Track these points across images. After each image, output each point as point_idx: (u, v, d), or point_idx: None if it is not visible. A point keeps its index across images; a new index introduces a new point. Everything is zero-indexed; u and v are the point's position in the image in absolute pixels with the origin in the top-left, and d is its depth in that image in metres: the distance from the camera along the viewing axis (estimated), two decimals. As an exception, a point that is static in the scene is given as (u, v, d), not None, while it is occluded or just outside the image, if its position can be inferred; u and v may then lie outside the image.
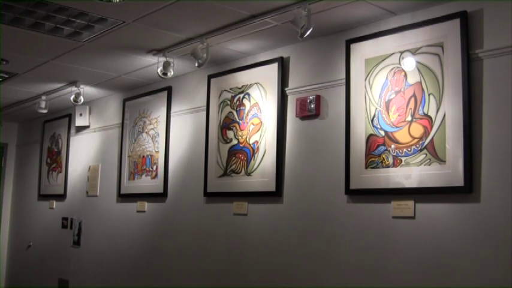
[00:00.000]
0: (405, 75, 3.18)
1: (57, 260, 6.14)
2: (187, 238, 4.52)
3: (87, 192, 5.84)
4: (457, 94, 2.93)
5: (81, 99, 5.15)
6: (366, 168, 3.30)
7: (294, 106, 3.80)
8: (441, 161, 2.97)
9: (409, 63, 3.16)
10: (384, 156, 3.23)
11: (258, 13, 3.37)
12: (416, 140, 3.09)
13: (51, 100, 5.65)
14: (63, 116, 6.38)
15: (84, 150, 6.00)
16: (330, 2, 3.15)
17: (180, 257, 4.56)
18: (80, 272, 5.75)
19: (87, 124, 5.95)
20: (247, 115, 4.09)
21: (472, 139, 2.87)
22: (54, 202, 6.38)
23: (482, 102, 2.87)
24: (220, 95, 4.34)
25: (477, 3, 2.93)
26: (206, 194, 4.35)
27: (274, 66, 3.92)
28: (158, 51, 4.15)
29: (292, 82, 3.85)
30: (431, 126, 3.02)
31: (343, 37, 3.54)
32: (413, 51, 3.15)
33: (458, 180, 2.88)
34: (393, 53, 3.24)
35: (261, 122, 3.98)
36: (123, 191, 5.28)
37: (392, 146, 3.19)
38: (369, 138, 3.31)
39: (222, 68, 4.38)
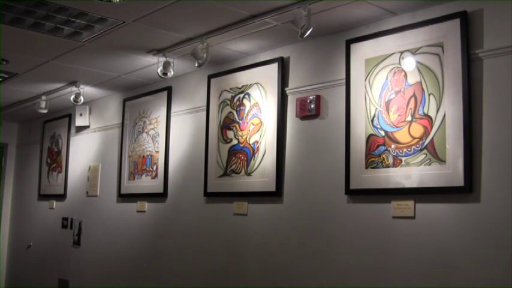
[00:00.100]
0: (405, 75, 3.18)
1: (57, 260, 6.14)
2: (187, 238, 4.52)
3: (87, 192, 5.84)
4: (457, 94, 2.93)
5: (81, 99, 5.15)
6: (366, 168, 3.30)
7: (294, 106, 3.80)
8: (441, 161, 2.97)
9: (409, 63, 3.16)
10: (384, 156, 3.23)
11: (258, 13, 3.37)
12: (416, 140, 3.09)
13: (51, 100, 5.65)
14: (63, 116, 6.38)
15: (84, 150, 6.00)
16: (330, 2, 3.15)
17: (180, 257, 4.56)
18: (80, 272, 5.75)
19: (87, 124, 5.95)
20: (247, 115, 4.09)
21: (472, 139, 2.87)
22: (54, 202, 6.38)
23: (482, 102, 2.87)
24: (220, 95, 4.34)
25: (477, 3, 2.93)
26: (206, 194, 4.35)
27: (274, 66, 3.92)
28: (158, 51, 4.15)
29: (292, 82, 3.85)
30: (432, 126, 3.02)
31: (343, 37, 3.54)
32: (414, 51, 3.15)
33: (458, 180, 2.88)
34: (393, 53, 3.24)
35: (261, 122, 3.98)
36: (123, 191, 5.28)
37: (393, 146, 3.19)
38: (369, 138, 3.31)
39: (222, 68, 4.38)
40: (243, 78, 4.17)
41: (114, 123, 5.58)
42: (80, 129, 6.08)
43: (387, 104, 3.24)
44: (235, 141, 4.16)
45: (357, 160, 3.34)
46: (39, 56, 4.40)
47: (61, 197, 6.26)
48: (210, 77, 4.45)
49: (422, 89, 3.09)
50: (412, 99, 3.13)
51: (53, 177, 6.46)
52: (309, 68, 3.76)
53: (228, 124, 4.24)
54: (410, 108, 3.13)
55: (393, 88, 3.23)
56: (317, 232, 3.55)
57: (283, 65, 3.90)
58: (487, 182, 2.81)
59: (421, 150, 3.06)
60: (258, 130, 4.00)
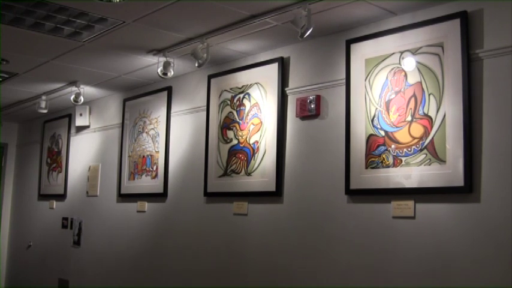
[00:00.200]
0: (405, 75, 3.18)
1: (57, 260, 6.14)
2: (187, 238, 4.52)
3: (87, 192, 5.84)
4: (457, 94, 2.93)
5: (81, 99, 5.15)
6: (366, 168, 3.30)
7: (294, 106, 3.80)
8: (441, 161, 2.97)
9: (409, 63, 3.16)
10: (384, 156, 3.22)
11: (258, 13, 3.37)
12: (416, 140, 3.09)
13: (51, 100, 5.65)
14: (63, 116, 6.38)
15: (84, 150, 6.00)
16: (330, 2, 3.15)
17: (180, 257, 4.56)
18: (80, 272, 5.75)
19: (87, 124, 5.95)
20: (248, 115, 4.09)
21: (472, 139, 2.87)
22: (54, 202, 6.38)
23: (482, 102, 2.87)
24: (220, 95, 4.34)
25: (477, 3, 2.93)
26: (206, 194, 4.35)
27: (274, 66, 3.92)
28: (158, 51, 4.15)
29: (292, 82, 3.85)
30: (432, 126, 3.02)
31: (343, 37, 3.54)
32: (414, 51, 3.15)
33: (458, 180, 2.88)
34: (393, 53, 3.24)
35: (261, 122, 3.98)
36: (123, 191, 5.28)
37: (393, 146, 3.19)
38: (369, 138, 3.31)
39: (222, 68, 4.38)
40: (243, 78, 4.17)
41: (114, 123, 5.58)
42: (80, 129, 6.08)
43: (387, 104, 3.24)
44: (235, 141, 4.16)
45: (357, 160, 3.34)
46: (39, 56, 4.40)
47: (61, 197, 6.26)
48: (210, 77, 4.45)
49: (423, 89, 3.09)
50: (412, 99, 3.13)
51: (53, 177, 6.46)
52: (309, 68, 3.76)
53: (228, 124, 4.24)
54: (411, 108, 3.13)
55: (393, 88, 3.23)
56: (317, 232, 3.55)
57: (283, 65, 3.90)
58: (487, 182, 2.81)
59: (421, 150, 3.06)
60: (258, 130, 4.00)
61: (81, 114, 5.92)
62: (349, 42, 3.49)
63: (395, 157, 3.17)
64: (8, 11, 3.46)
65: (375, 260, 3.22)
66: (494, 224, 2.76)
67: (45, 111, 5.61)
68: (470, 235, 2.83)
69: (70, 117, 6.26)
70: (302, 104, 3.72)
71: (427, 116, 3.05)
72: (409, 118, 3.13)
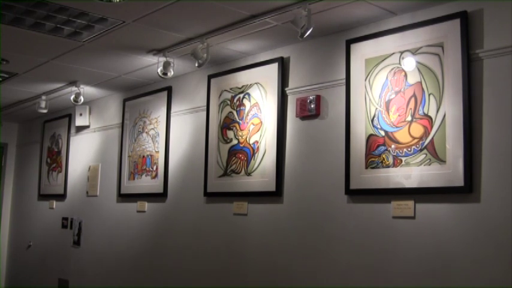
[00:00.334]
0: (405, 75, 3.18)
1: (57, 260, 6.14)
2: (187, 238, 4.52)
3: (87, 192, 5.84)
4: (457, 94, 2.93)
5: (81, 99, 5.15)
6: (366, 168, 3.30)
7: (294, 106, 3.80)
8: (441, 161, 2.97)
9: (409, 63, 3.16)
10: (384, 156, 3.23)
11: (258, 13, 3.37)
12: (416, 140, 3.09)
13: (51, 100, 5.65)
14: (63, 116, 6.38)
15: (84, 150, 6.00)
16: (330, 2, 3.15)
17: (180, 257, 4.56)
18: (80, 272, 5.75)
19: (87, 124, 5.95)
20: (247, 115, 4.09)
21: (472, 139, 2.87)
22: (54, 202, 6.38)
23: (482, 102, 2.87)
24: (220, 95, 4.34)
25: (477, 3, 2.93)
26: (206, 194, 4.35)
27: (274, 66, 3.92)
28: (158, 51, 4.16)
29: (292, 82, 3.85)
30: (432, 126, 3.02)
31: (343, 37, 3.54)
32: (414, 51, 3.15)
33: (458, 180, 2.88)
34: (393, 53, 3.24)
35: (261, 122, 3.98)
36: (123, 191, 5.28)
37: (393, 146, 3.19)
38: (369, 138, 3.31)
39: (222, 68, 4.38)
40: (243, 78, 4.17)
41: (114, 123, 5.58)
42: (80, 129, 6.08)
43: (387, 104, 3.24)
44: (235, 141, 4.16)
45: (357, 160, 3.34)
46: (39, 56, 4.40)
47: (61, 197, 6.26)
48: (210, 77, 4.45)
49: (422, 89, 3.09)
50: (412, 99, 3.13)
51: (53, 177, 6.46)
52: (309, 68, 3.76)
53: (228, 124, 4.24)
54: (410, 108, 3.13)
55: (393, 88, 3.23)
56: (317, 232, 3.55)
57: (283, 65, 3.90)
58: (487, 182, 2.81)
59: (421, 150, 3.06)
60: (258, 130, 4.00)
61: (81, 114, 5.92)
62: (349, 42, 3.49)
63: (395, 157, 3.17)
64: (8, 11, 3.46)
65: (375, 260, 3.22)
66: (494, 224, 2.76)
67: (45, 111, 5.61)
68: (470, 235, 2.83)
69: (70, 117, 6.26)
70: (302, 104, 3.72)
71: (427, 116, 3.05)
72: (409, 118, 3.13)
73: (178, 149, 4.73)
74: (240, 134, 4.13)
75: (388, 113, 3.23)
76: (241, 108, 4.15)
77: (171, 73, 4.16)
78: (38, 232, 6.63)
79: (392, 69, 3.24)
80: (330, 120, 3.59)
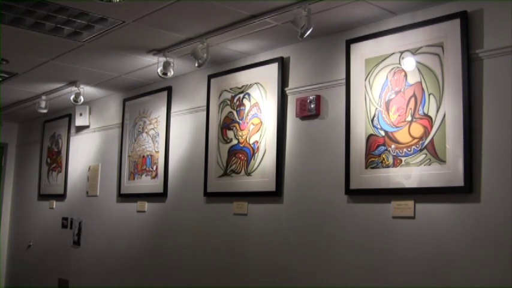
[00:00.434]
0: (405, 75, 3.18)
1: (57, 260, 6.14)
2: (187, 238, 4.52)
3: (87, 192, 5.84)
4: (457, 94, 2.93)
5: (81, 99, 5.15)
6: (366, 168, 3.30)
7: (294, 106, 3.80)
8: (441, 161, 2.97)
9: (409, 63, 3.16)
10: (384, 156, 3.23)
11: (258, 13, 3.37)
12: (416, 140, 3.09)
13: (51, 100, 5.65)
14: (63, 116, 6.38)
15: (84, 150, 6.00)
16: (330, 2, 3.15)
17: (180, 257, 4.56)
18: (80, 272, 5.75)
19: (87, 124, 5.95)
20: (247, 115, 4.09)
21: (472, 139, 2.87)
22: (54, 202, 6.38)
23: (482, 102, 2.87)
24: (220, 95, 4.34)
25: (477, 3, 2.93)
26: (206, 194, 4.35)
27: (274, 66, 3.92)
28: (158, 51, 4.16)
29: (292, 82, 3.85)
30: (431, 126, 3.02)
31: (343, 37, 3.54)
32: (414, 51, 3.15)
33: (458, 180, 2.88)
34: (393, 53, 3.24)
35: (261, 122, 3.98)
36: (123, 191, 5.28)
37: (393, 146, 3.19)
38: (369, 138, 3.31)
39: (222, 68, 4.38)
40: (243, 78, 4.17)
41: (114, 123, 5.58)
42: (80, 129, 6.08)
43: (387, 104, 3.24)
44: (235, 141, 4.16)
45: (357, 160, 3.34)
46: (39, 56, 4.40)
47: (61, 197, 6.26)
48: (210, 77, 4.45)
49: (422, 89, 3.09)
50: (412, 99, 3.13)
51: (53, 177, 6.46)
52: (309, 68, 3.76)
53: (228, 124, 4.24)
54: (410, 108, 3.13)
55: (393, 88, 3.23)
56: (317, 232, 3.55)
57: (283, 65, 3.90)
58: (487, 182, 2.81)
59: (421, 150, 3.06)
60: (258, 130, 4.00)
61: (81, 114, 5.92)
62: (349, 42, 3.49)
63: (395, 157, 3.17)
64: (8, 11, 3.46)
65: (375, 260, 3.22)
66: (494, 224, 2.76)
67: (45, 111, 5.61)
68: (470, 235, 2.83)
69: (70, 117, 6.26)
70: (302, 104, 3.72)
71: (427, 116, 3.05)
72: (409, 118, 3.13)
73: (178, 149, 4.73)
74: (240, 134, 4.13)
75: (388, 113, 3.23)
76: (241, 108, 4.15)
77: (171, 73, 4.16)
78: (38, 232, 6.63)
79: (392, 69, 3.24)
80: (330, 120, 3.59)
